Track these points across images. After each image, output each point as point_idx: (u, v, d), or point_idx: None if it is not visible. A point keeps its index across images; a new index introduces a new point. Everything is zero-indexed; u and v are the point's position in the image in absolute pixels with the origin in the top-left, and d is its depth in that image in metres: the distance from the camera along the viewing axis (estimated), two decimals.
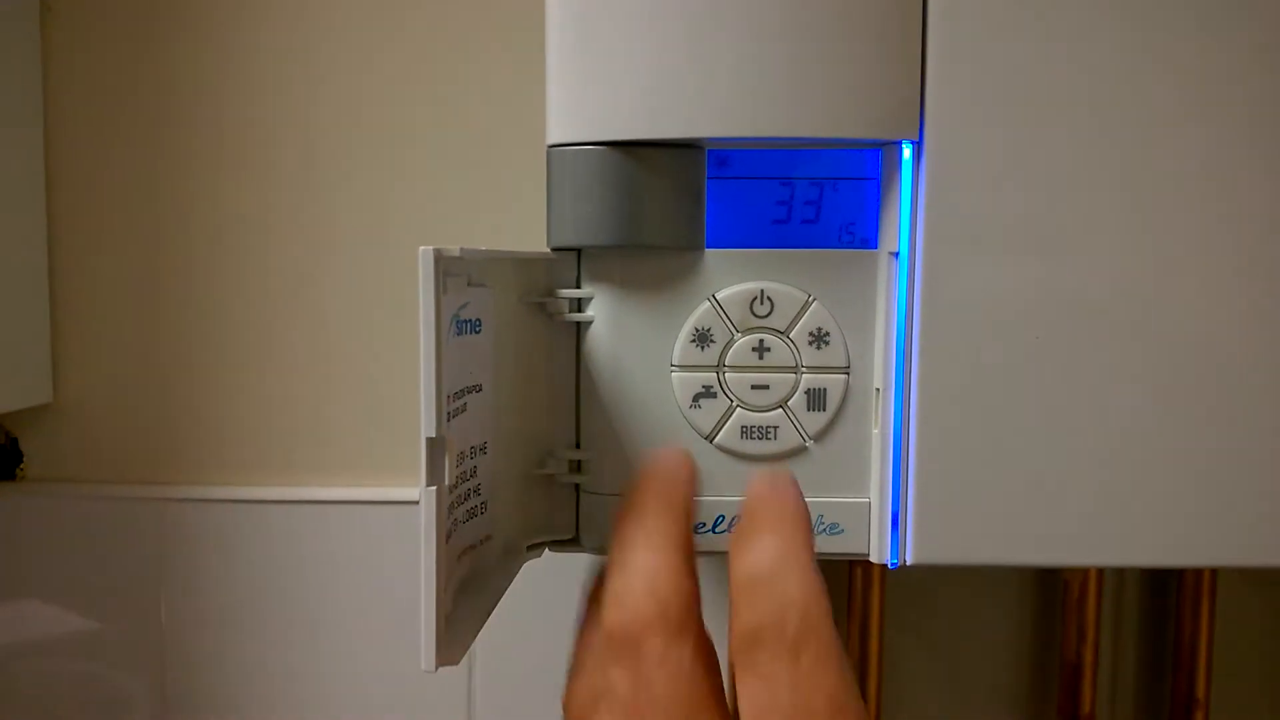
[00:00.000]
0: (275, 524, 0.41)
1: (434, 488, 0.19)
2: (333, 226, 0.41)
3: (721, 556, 0.23)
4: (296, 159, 0.41)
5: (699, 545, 0.26)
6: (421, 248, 0.19)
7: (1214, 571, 0.40)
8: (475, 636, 0.22)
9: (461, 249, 0.20)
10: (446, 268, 0.20)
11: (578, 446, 0.26)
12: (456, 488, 0.22)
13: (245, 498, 0.42)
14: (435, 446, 0.19)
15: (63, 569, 0.42)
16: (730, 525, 0.26)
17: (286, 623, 0.42)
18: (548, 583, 0.41)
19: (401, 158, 0.41)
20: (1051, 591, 0.42)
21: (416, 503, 0.41)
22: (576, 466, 0.26)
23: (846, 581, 0.40)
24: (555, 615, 0.42)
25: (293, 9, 0.41)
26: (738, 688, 0.19)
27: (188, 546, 0.42)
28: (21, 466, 0.43)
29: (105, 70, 0.41)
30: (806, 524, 0.21)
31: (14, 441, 0.43)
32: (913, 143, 0.25)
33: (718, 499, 0.26)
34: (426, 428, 0.19)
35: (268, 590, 0.42)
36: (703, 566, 0.42)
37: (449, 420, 0.21)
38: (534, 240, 0.28)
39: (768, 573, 0.19)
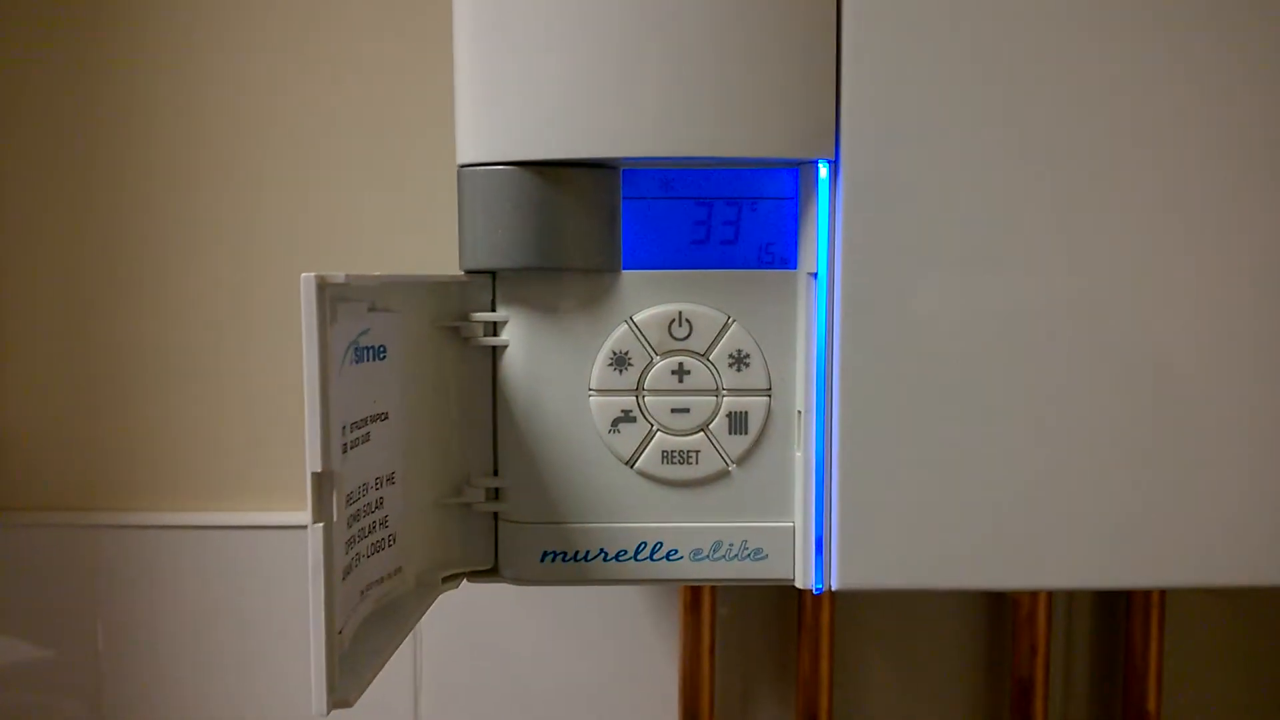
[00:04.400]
0: (211, 549, 0.41)
1: (320, 524, 0.19)
2: (258, 255, 0.41)
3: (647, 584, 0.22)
4: (220, 191, 0.40)
5: (622, 574, 0.25)
6: (304, 275, 0.19)
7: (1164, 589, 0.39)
8: (376, 674, 0.21)
9: (348, 276, 0.19)
10: (337, 294, 0.20)
11: (495, 474, 0.26)
12: (358, 520, 0.22)
13: (180, 524, 0.41)
14: (322, 481, 0.19)
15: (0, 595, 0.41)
16: (652, 553, 0.25)
17: (224, 647, 0.41)
18: (494, 605, 0.41)
19: (323, 180, 0.40)
20: (1002, 608, 0.41)
21: None
22: (494, 494, 0.26)
23: (797, 601, 0.40)
24: (502, 639, 0.41)
25: (220, 29, 0.40)
26: None
27: (124, 572, 0.41)
28: None
29: (35, 105, 0.40)
30: None
31: None
32: (829, 161, 0.24)
33: (640, 525, 0.25)
34: (311, 462, 0.18)
35: (204, 615, 0.41)
36: (636, 589, 0.41)
37: (345, 451, 0.21)
38: (448, 264, 0.27)
39: None
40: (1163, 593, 0.39)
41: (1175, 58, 0.24)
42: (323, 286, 0.19)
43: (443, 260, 0.40)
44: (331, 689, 0.19)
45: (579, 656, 0.41)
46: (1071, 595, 0.42)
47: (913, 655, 0.42)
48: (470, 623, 0.41)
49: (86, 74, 0.40)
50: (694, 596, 0.40)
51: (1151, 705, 0.40)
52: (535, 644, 0.41)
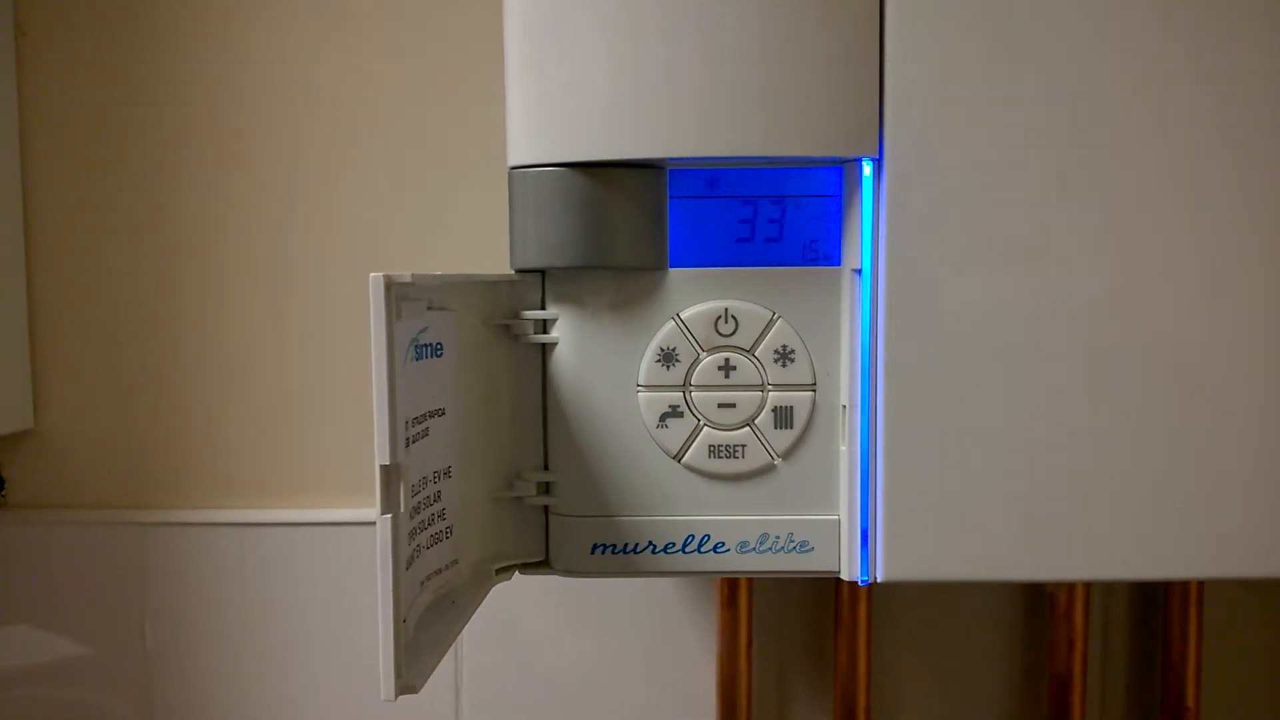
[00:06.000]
0: (255, 546, 0.41)
1: (389, 515, 0.19)
2: (309, 250, 0.41)
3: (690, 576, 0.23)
4: (273, 184, 0.41)
5: (671, 566, 0.26)
6: (372, 274, 0.19)
7: (1201, 581, 0.39)
8: (439, 662, 0.21)
9: (413, 275, 0.20)
10: (401, 293, 0.20)
11: (545, 468, 0.26)
12: (419, 513, 0.22)
13: (225, 520, 0.42)
14: (390, 474, 0.19)
15: (46, 594, 0.42)
16: (700, 545, 0.26)
17: (269, 644, 0.42)
18: (533, 603, 0.41)
19: (363, 185, 0.41)
20: (1039, 603, 0.41)
21: None
22: (545, 488, 0.26)
23: (834, 596, 0.40)
24: (540, 636, 0.41)
25: (268, 36, 0.41)
26: None
27: (170, 569, 0.42)
28: (3, 493, 0.43)
29: (81, 97, 0.41)
30: None
31: None
32: (873, 160, 0.25)
33: (687, 518, 0.26)
34: (380, 455, 0.19)
35: (249, 612, 0.42)
36: (686, 579, 0.41)
37: (408, 446, 0.21)
38: (498, 264, 0.28)
39: None
40: (1201, 588, 0.39)
41: (1222, 59, 0.24)
42: (390, 285, 0.19)
43: (483, 260, 0.41)
44: (399, 675, 0.19)
45: (616, 653, 0.41)
46: (1109, 591, 0.42)
47: (949, 651, 0.42)
48: (508, 620, 0.41)
49: (127, 71, 0.41)
50: (731, 593, 0.40)
51: (1190, 701, 0.40)
52: (572, 641, 0.42)
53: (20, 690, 0.42)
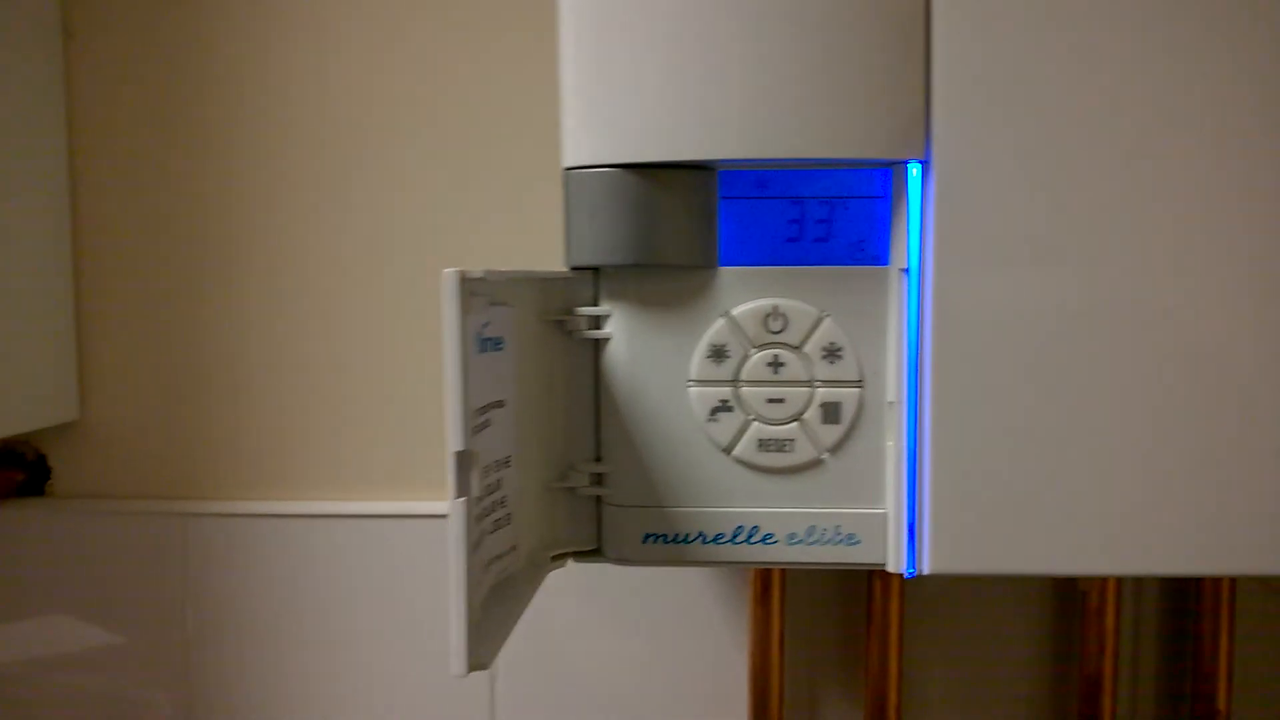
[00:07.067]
0: (297, 538, 0.42)
1: (462, 499, 0.20)
2: (352, 246, 0.42)
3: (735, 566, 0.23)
4: (316, 181, 0.42)
5: (720, 556, 0.26)
6: (446, 270, 0.20)
7: (1234, 582, 0.39)
8: (504, 642, 0.22)
9: (485, 271, 0.21)
10: (470, 288, 0.21)
11: (598, 460, 0.27)
12: (482, 500, 0.23)
13: (267, 512, 0.42)
14: (463, 460, 0.20)
15: (89, 583, 0.43)
16: (749, 537, 0.26)
17: (308, 635, 0.42)
18: (567, 598, 0.42)
19: (418, 179, 0.42)
20: (1071, 603, 0.42)
21: (435, 516, 0.42)
22: (598, 479, 0.27)
23: (866, 594, 0.40)
24: (574, 631, 0.42)
25: (314, 34, 0.42)
26: None
27: (212, 560, 0.43)
28: (50, 482, 0.44)
29: (127, 95, 0.42)
30: None
31: (42, 458, 0.44)
32: (920, 162, 0.25)
33: (737, 510, 0.26)
34: (454, 442, 0.20)
35: (290, 603, 0.42)
36: (719, 575, 0.42)
37: (474, 435, 0.22)
38: (549, 260, 0.29)
39: None
40: (1233, 590, 0.40)
41: (1277, 62, 0.25)
42: (463, 280, 0.20)
43: (529, 260, 0.41)
44: (471, 652, 0.20)
45: (649, 647, 0.42)
46: (1140, 592, 0.42)
47: (981, 649, 0.42)
48: (542, 615, 0.42)
49: (173, 69, 0.42)
50: (764, 589, 0.41)
51: (1221, 704, 0.40)
52: (606, 635, 0.42)
53: (61, 678, 0.43)
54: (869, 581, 0.40)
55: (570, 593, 0.42)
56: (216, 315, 0.43)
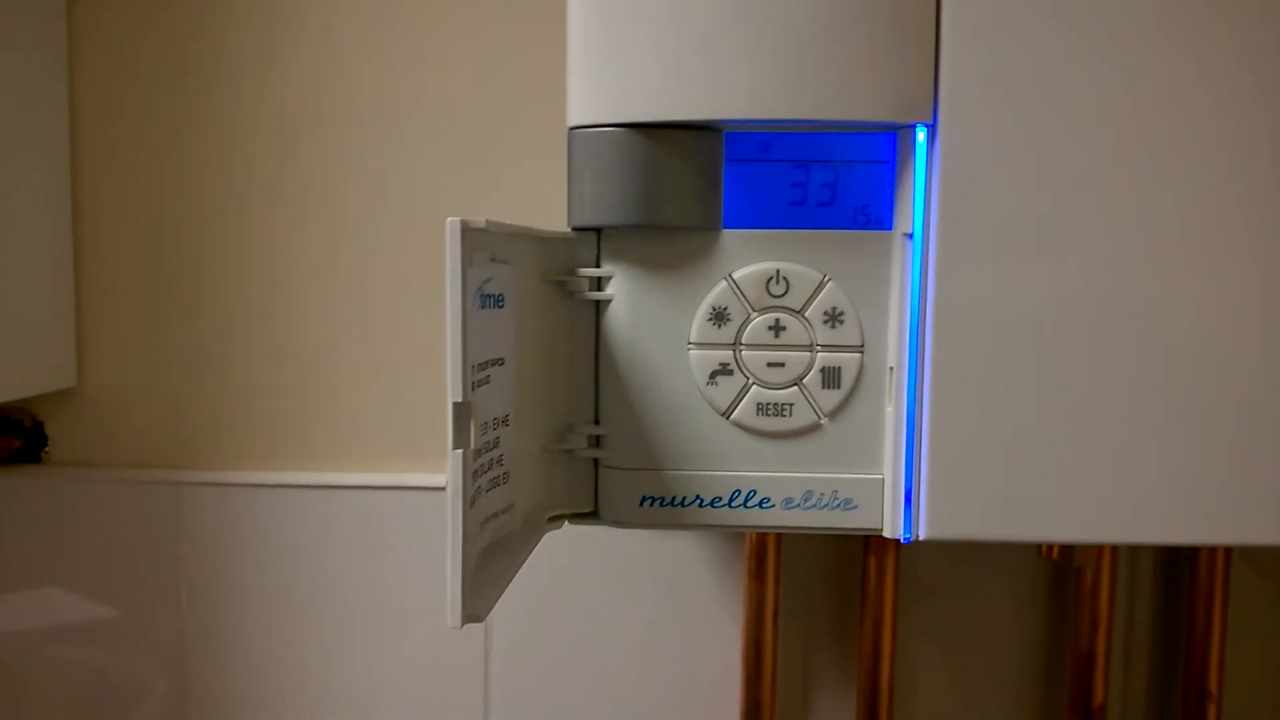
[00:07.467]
0: (292, 508, 0.42)
1: (460, 451, 0.20)
2: (347, 214, 0.42)
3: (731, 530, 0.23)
4: (315, 151, 0.42)
5: (717, 520, 0.26)
6: (449, 218, 0.20)
7: (1227, 563, 0.40)
8: (498, 598, 0.22)
9: (487, 221, 0.21)
10: (472, 241, 0.21)
11: (597, 422, 0.27)
12: (480, 455, 0.23)
13: (264, 482, 0.42)
14: (461, 411, 0.20)
15: (84, 551, 0.43)
16: (746, 500, 0.26)
17: (303, 604, 0.42)
18: (561, 569, 0.42)
19: (412, 144, 0.42)
20: (1064, 582, 0.42)
21: (432, 489, 0.42)
22: (596, 441, 0.27)
23: (860, 572, 0.40)
24: (571, 597, 0.42)
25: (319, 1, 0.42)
26: None
27: (207, 529, 0.42)
28: (46, 450, 0.44)
29: (130, 64, 0.42)
30: None
31: (39, 425, 0.44)
32: (927, 126, 0.25)
33: (734, 474, 0.26)
34: (453, 393, 0.20)
35: (285, 573, 0.42)
36: (714, 549, 0.42)
37: (473, 389, 0.22)
38: (547, 221, 0.28)
39: None
40: (1226, 572, 0.40)
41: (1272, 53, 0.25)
42: (466, 230, 0.20)
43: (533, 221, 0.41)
44: (466, 604, 0.20)
45: (644, 622, 0.42)
46: (1135, 571, 0.42)
47: (973, 628, 0.42)
48: (535, 586, 0.42)
49: (177, 34, 0.42)
50: (758, 564, 0.41)
51: (1213, 685, 0.40)
52: (599, 608, 0.42)
53: (55, 649, 0.43)
54: (863, 558, 0.40)
55: (565, 562, 0.42)
56: (216, 284, 0.43)
